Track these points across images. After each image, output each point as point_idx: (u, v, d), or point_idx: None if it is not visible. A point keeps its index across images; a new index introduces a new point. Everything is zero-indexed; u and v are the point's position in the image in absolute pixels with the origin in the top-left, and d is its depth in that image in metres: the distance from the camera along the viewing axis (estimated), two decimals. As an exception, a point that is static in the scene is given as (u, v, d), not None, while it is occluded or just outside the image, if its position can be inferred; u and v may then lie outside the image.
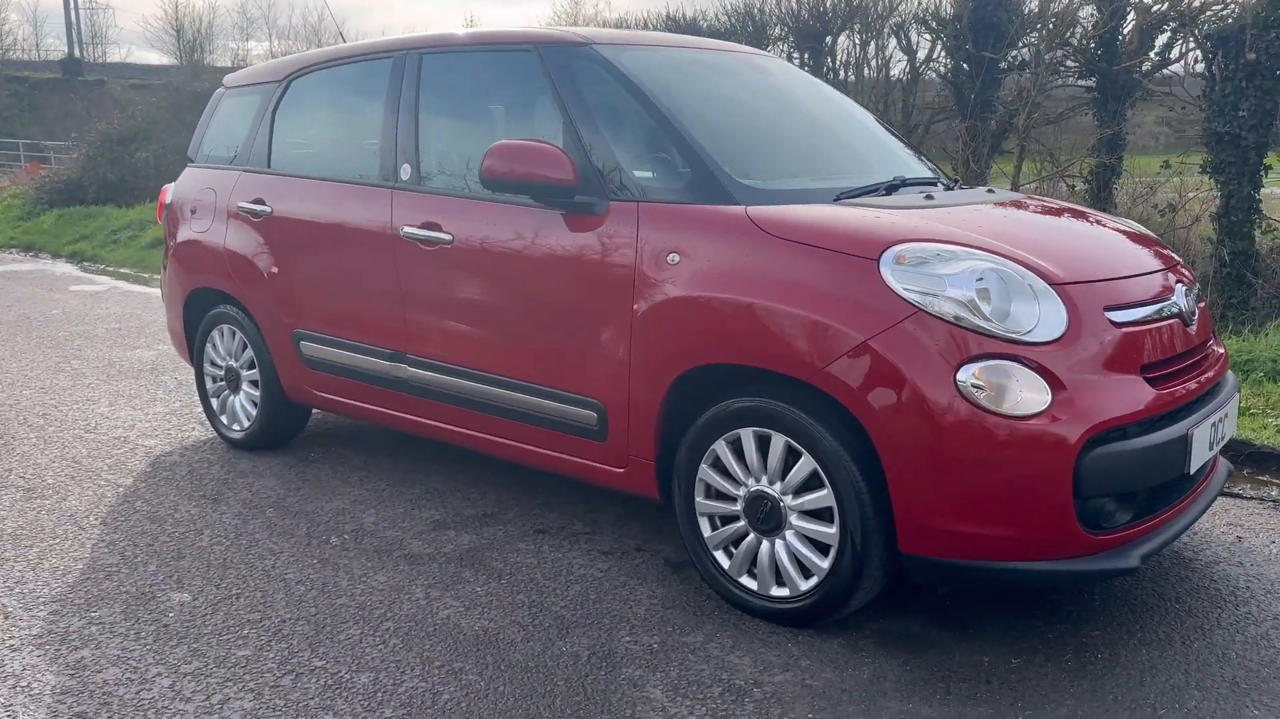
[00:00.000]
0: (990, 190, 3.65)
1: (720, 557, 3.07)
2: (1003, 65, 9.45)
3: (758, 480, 2.94)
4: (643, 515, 3.80)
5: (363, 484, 4.23)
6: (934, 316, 2.62)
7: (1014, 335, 2.59)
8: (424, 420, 3.89)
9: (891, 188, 3.34)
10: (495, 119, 3.81)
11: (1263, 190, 7.76)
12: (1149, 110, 9.32)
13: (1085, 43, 9.14)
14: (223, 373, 4.73)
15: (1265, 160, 7.66)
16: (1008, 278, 2.65)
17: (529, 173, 3.21)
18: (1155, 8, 8.56)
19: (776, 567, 2.94)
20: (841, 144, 3.77)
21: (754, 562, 3.00)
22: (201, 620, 3.03)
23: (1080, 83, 9.13)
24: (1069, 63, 9.21)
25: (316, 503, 4.03)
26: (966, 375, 2.57)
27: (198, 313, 4.83)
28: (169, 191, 5.01)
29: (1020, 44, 9.57)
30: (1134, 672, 2.70)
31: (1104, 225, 3.36)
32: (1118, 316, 2.73)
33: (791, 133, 3.69)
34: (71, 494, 4.16)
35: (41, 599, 3.19)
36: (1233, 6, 7.69)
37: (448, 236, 3.60)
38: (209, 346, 4.77)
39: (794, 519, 2.88)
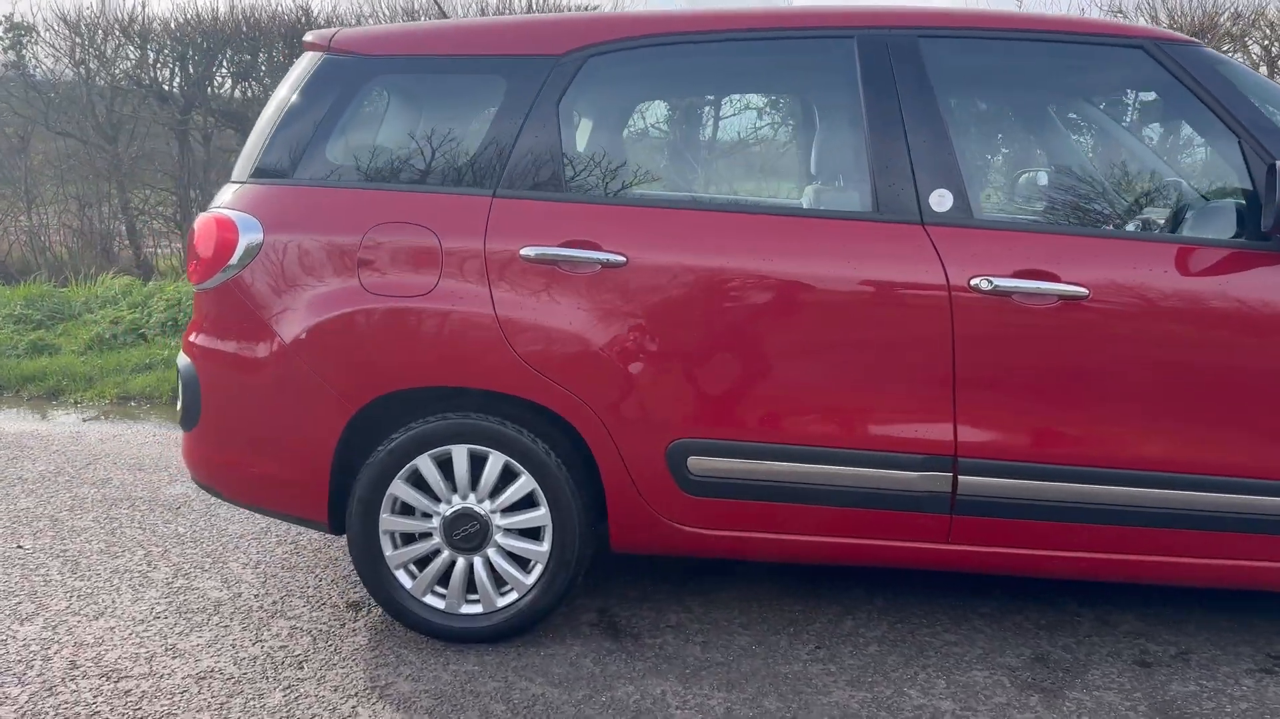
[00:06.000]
0: None
1: None
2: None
3: None
4: (1201, 617, 3.15)
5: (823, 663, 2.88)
6: None
7: None
8: (967, 549, 2.77)
9: None
10: (1059, 129, 2.86)
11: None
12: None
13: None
14: (438, 526, 2.85)
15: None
16: None
17: None
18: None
19: None
20: None
21: None
22: None
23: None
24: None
25: (828, 695, 2.64)
26: None
27: (377, 434, 2.86)
28: (243, 225, 2.85)
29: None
30: None
31: None
32: None
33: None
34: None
35: None
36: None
37: (1080, 290, 2.61)
38: (400, 486, 2.84)
39: None
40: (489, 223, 2.77)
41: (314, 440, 2.83)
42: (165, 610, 3.09)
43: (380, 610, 3.09)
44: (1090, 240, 2.68)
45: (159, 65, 10.42)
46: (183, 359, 3.02)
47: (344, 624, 3.02)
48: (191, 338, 3.01)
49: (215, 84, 10.51)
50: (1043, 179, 2.82)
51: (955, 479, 2.70)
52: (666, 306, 2.72)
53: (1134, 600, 3.23)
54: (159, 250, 10.78)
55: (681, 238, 2.74)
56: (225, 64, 10.32)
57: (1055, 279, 2.62)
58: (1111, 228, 2.78)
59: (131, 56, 10.46)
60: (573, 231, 2.74)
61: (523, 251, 2.74)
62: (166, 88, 10.31)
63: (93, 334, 6.60)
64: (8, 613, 3.06)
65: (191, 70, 10.21)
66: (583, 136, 2.82)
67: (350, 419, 2.80)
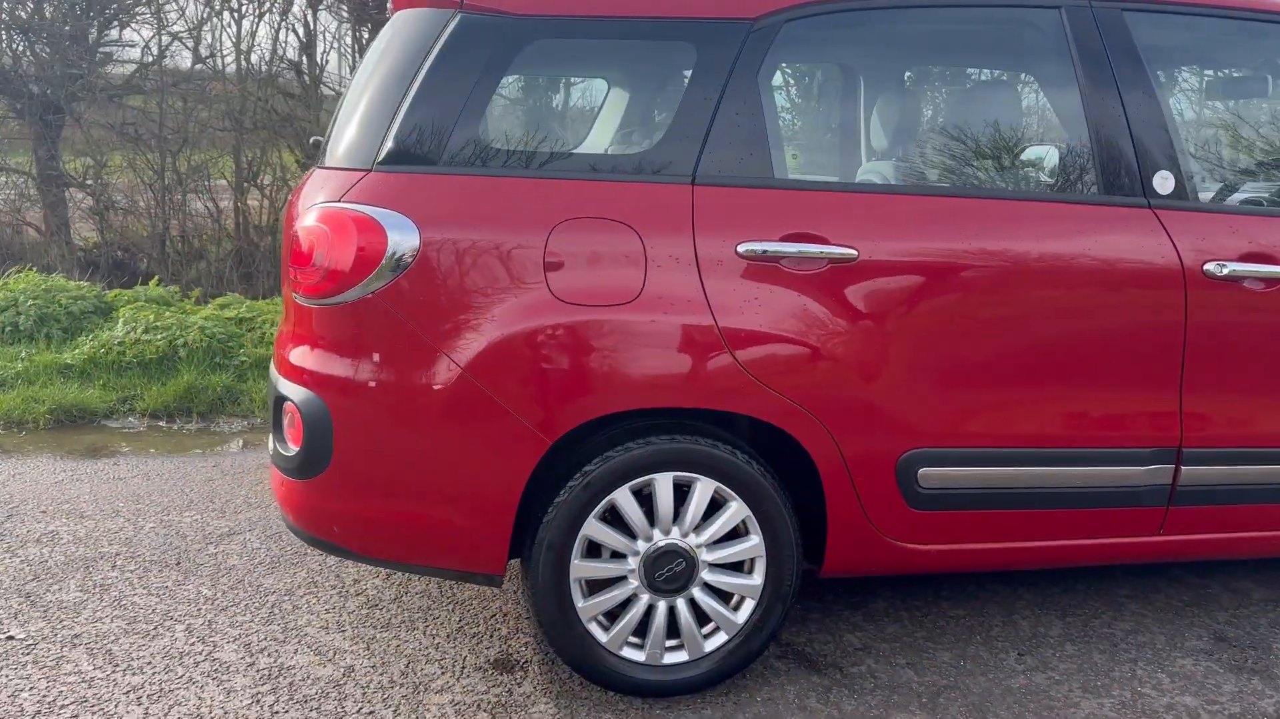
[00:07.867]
0: None
1: None
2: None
3: None
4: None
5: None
6: None
7: None
8: (1178, 538, 2.71)
9: None
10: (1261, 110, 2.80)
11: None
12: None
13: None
14: (636, 567, 2.46)
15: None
16: None
17: None
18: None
19: None
20: None
21: None
22: None
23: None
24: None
25: (1079, 708, 2.50)
26: None
27: (558, 468, 2.41)
28: (390, 225, 2.31)
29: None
30: None
31: None
32: None
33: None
34: None
35: None
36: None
37: (1304, 270, 2.59)
38: (595, 526, 2.42)
39: None
40: (694, 216, 2.39)
41: (498, 481, 2.36)
42: (277, 701, 2.50)
43: (538, 668, 2.66)
44: (1297, 222, 2.67)
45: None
46: (296, 390, 2.42)
47: (510, 690, 2.57)
48: (301, 361, 2.43)
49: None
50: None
51: (1177, 470, 2.64)
52: (902, 305, 2.46)
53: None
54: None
55: (914, 227, 2.48)
56: (-10, 16, 8.75)
57: (1275, 261, 2.59)
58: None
59: None
60: (792, 223, 2.42)
61: (739, 248, 2.38)
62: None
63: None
64: (71, 732, 2.37)
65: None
66: (786, 112, 2.49)
67: (545, 452, 2.35)
